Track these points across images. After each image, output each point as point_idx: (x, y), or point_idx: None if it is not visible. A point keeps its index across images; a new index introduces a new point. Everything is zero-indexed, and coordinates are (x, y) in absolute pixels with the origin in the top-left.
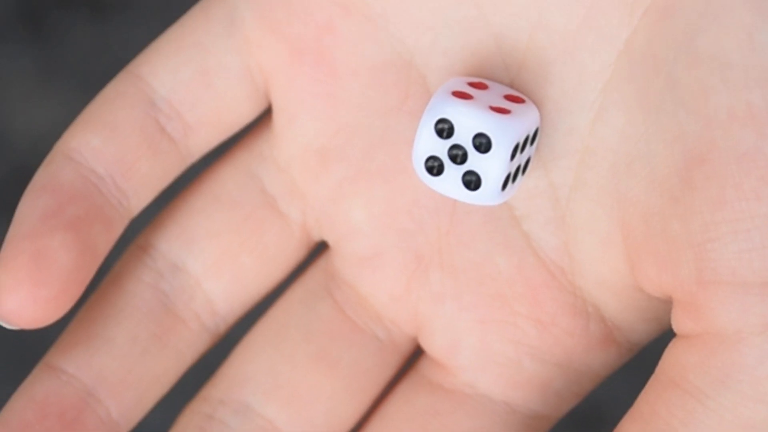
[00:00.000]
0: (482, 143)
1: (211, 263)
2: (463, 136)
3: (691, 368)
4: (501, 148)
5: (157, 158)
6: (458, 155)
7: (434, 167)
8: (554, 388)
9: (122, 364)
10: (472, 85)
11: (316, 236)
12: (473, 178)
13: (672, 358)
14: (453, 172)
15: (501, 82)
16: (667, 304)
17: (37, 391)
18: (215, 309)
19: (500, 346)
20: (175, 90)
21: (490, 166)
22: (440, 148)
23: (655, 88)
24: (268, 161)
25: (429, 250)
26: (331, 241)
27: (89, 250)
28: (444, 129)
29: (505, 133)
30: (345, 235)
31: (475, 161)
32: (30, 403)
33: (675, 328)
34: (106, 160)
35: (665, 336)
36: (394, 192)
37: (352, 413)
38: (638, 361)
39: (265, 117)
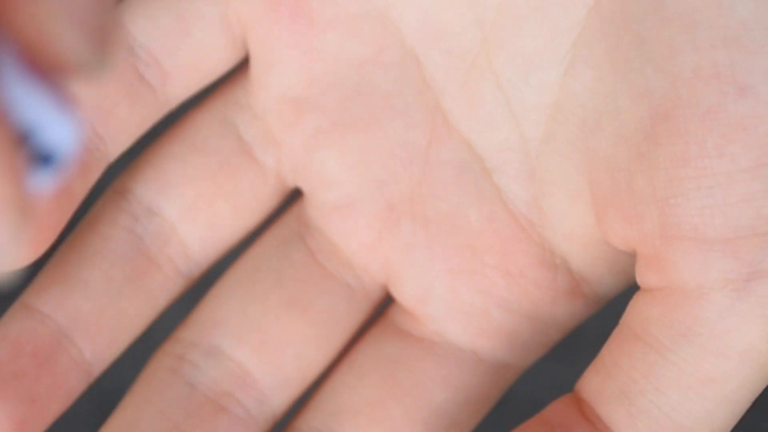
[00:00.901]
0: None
1: (187, 208)
2: None
3: (653, 321)
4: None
5: (136, 104)
6: None
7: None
8: (521, 338)
9: (96, 305)
10: None
11: (291, 184)
12: None
13: (635, 310)
14: None
15: (472, 37)
16: (633, 257)
17: (12, 329)
18: (189, 254)
19: (469, 296)
20: (153, 37)
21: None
22: None
23: (624, 45)
24: (244, 109)
25: (401, 200)
26: (305, 189)
27: (65, 193)
28: None
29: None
30: (319, 183)
31: None
32: (3, 342)
33: (639, 281)
34: (84, 106)
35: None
36: (368, 143)
37: (321, 359)
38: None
39: (241, 66)
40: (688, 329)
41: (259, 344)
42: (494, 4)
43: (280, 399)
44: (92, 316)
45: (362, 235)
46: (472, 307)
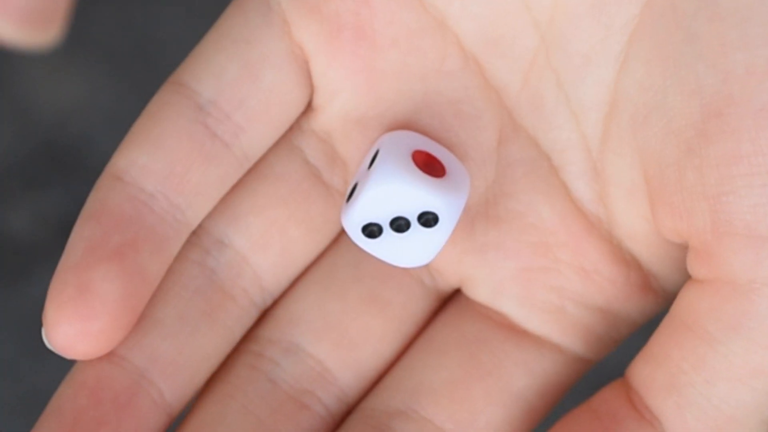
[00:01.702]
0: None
1: (257, 237)
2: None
3: (703, 313)
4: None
5: (210, 165)
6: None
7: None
8: (596, 333)
9: (173, 344)
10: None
11: None
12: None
13: (685, 301)
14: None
15: (531, 38)
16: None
17: (89, 375)
18: (263, 284)
19: (544, 293)
20: (221, 91)
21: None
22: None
23: (675, 41)
24: (308, 134)
25: (476, 201)
26: None
27: (137, 276)
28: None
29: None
30: None
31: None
32: (82, 389)
33: (690, 271)
34: (155, 175)
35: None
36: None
37: (397, 354)
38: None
39: None
40: (738, 323)
41: (337, 341)
42: (549, 3)
43: (357, 394)
44: (170, 356)
45: None
46: (547, 304)
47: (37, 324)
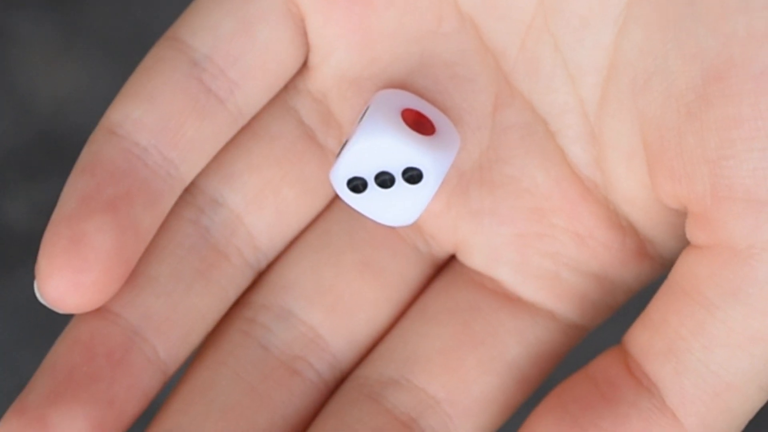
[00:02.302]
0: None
1: (252, 197)
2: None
3: (702, 279)
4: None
5: (205, 120)
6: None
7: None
8: (591, 300)
9: (167, 301)
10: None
11: None
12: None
13: (684, 267)
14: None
15: (528, 3)
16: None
17: (83, 331)
18: (257, 244)
19: (539, 259)
20: (216, 46)
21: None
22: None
23: (676, 4)
24: (303, 93)
25: (470, 167)
26: None
27: (131, 229)
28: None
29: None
30: None
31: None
32: (75, 345)
33: (689, 237)
34: (149, 129)
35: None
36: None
37: (391, 321)
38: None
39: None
40: (737, 288)
41: (330, 307)
42: None
43: (350, 362)
44: (164, 313)
45: (432, 203)
46: (542, 270)
47: (36, 315)
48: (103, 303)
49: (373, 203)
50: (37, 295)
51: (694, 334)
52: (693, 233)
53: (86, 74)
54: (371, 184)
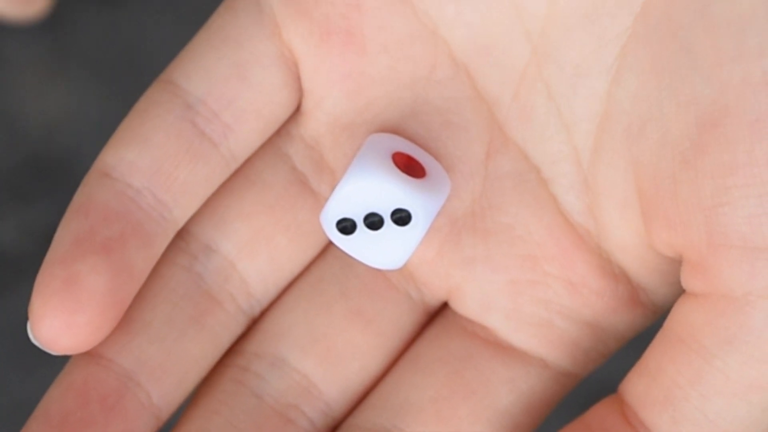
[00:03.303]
0: (402, 218)
1: (245, 244)
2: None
3: (698, 327)
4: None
5: (198, 163)
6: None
7: (347, 227)
8: (583, 348)
9: (160, 347)
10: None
11: None
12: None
13: (680, 315)
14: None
15: (522, 48)
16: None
17: (76, 378)
18: (250, 290)
19: (531, 307)
20: (210, 90)
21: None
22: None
23: (670, 52)
24: (296, 139)
25: (462, 214)
26: None
27: (124, 271)
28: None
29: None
30: None
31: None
32: (69, 391)
33: (684, 285)
34: (142, 172)
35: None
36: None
37: (383, 369)
38: (646, 344)
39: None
40: (734, 336)
41: (324, 355)
42: (542, 14)
43: (343, 410)
44: (157, 359)
45: (423, 250)
46: (534, 318)
47: (25, 336)
48: (96, 344)
49: (362, 245)
50: (30, 336)
51: (691, 383)
52: (688, 281)
53: (76, 97)
54: (360, 225)
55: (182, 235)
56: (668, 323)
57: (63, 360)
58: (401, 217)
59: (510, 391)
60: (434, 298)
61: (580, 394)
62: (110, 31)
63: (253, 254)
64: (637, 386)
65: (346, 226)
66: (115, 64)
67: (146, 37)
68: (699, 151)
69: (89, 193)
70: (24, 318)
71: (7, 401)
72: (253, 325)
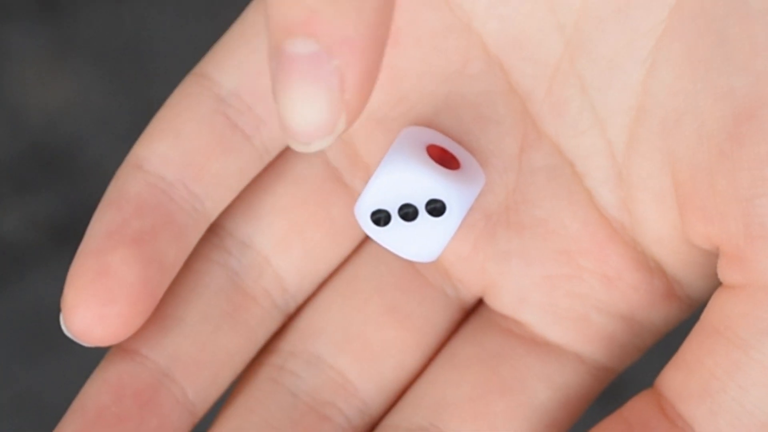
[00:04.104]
0: (436, 208)
1: (279, 239)
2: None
3: (736, 319)
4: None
5: (231, 156)
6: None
7: (381, 219)
8: (619, 342)
9: (195, 343)
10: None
11: None
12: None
13: (717, 307)
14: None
15: (555, 42)
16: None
17: (111, 374)
18: (285, 286)
19: (567, 301)
20: (243, 83)
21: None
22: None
23: (705, 44)
24: None
25: (497, 209)
26: None
27: (156, 263)
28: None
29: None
30: None
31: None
32: (104, 386)
33: (721, 277)
34: (175, 164)
35: (694, 322)
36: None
37: (419, 367)
38: (663, 340)
39: None
40: None
41: (360, 353)
42: (576, 7)
43: (379, 407)
44: (192, 355)
45: (458, 245)
46: (570, 312)
47: (30, 327)
48: (128, 336)
49: (396, 237)
50: (63, 327)
51: (729, 374)
52: (726, 273)
53: (79, 86)
54: (395, 217)
55: (216, 230)
56: (705, 315)
57: (67, 353)
58: (436, 208)
59: (546, 386)
60: (470, 294)
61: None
62: (113, 22)
63: (288, 250)
64: (675, 379)
65: (381, 218)
66: (117, 55)
67: (148, 28)
68: (735, 142)
69: (121, 186)
70: (29, 308)
71: (11, 393)
72: (288, 322)
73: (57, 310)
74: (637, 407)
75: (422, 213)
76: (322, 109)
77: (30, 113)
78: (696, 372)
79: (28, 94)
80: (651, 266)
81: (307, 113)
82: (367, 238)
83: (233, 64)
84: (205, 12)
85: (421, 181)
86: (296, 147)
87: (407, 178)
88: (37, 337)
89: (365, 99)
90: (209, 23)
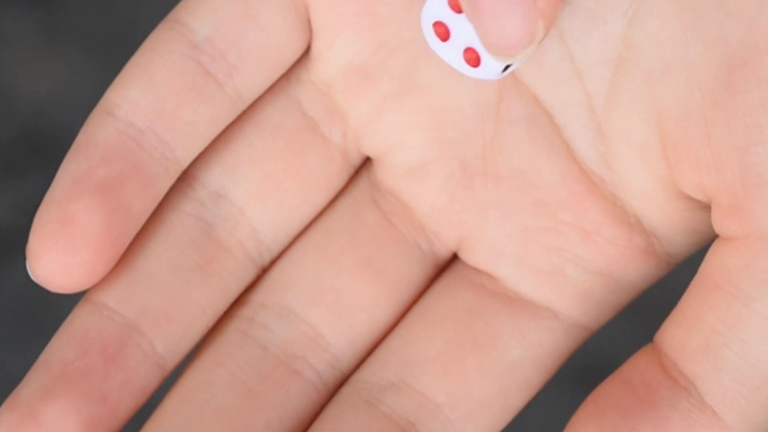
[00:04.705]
0: None
1: (254, 190)
2: None
3: (735, 271)
4: None
5: (202, 103)
6: None
7: (441, 32)
8: (595, 298)
9: (165, 296)
10: None
11: (356, 159)
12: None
13: (715, 260)
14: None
15: None
16: (706, 214)
17: (77, 327)
18: (259, 237)
19: (544, 254)
20: (217, 29)
21: None
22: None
23: None
24: (307, 84)
25: (474, 159)
26: (375, 155)
27: (121, 211)
28: None
29: None
30: (389, 148)
31: None
32: (70, 340)
33: (717, 229)
34: (145, 111)
35: (671, 298)
36: (439, 103)
37: (392, 321)
38: (641, 314)
39: None
40: None
41: (332, 306)
42: None
43: (350, 361)
44: (162, 308)
45: (435, 196)
46: (546, 265)
47: (18, 311)
48: (93, 284)
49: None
50: (30, 274)
51: (730, 329)
52: (722, 224)
53: (69, 72)
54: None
55: (189, 181)
56: (703, 269)
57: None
58: None
59: (519, 344)
60: (444, 248)
61: (573, 366)
62: (102, 7)
63: (263, 201)
64: (675, 336)
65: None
66: (107, 39)
67: (139, 13)
68: (729, 91)
69: (90, 132)
70: (18, 292)
71: (2, 375)
72: (262, 274)
73: (46, 295)
74: (637, 367)
75: None
76: (521, 19)
77: (20, 98)
78: (697, 328)
79: (19, 79)
80: (631, 221)
81: (509, 25)
82: (342, 191)
83: (207, 10)
84: None
85: None
86: (502, 62)
87: None
88: (26, 322)
89: (557, 3)
90: None
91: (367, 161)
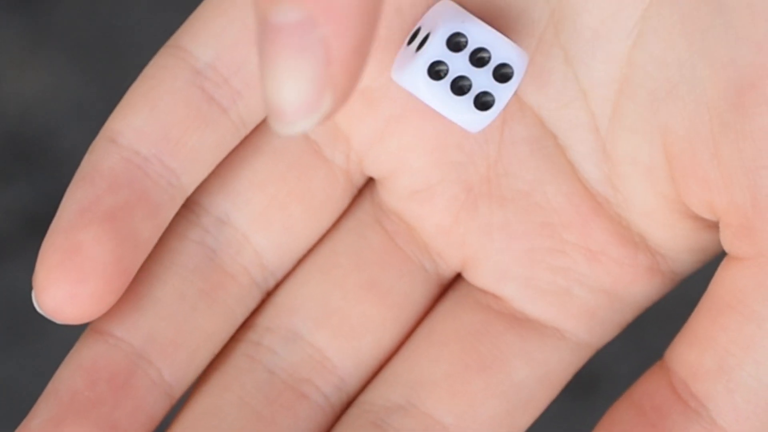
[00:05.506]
0: (505, 74)
1: (258, 215)
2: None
3: (747, 292)
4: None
5: (207, 129)
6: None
7: (441, 72)
8: (600, 317)
9: (171, 323)
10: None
11: (359, 180)
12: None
13: (725, 280)
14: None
15: (540, 11)
16: (714, 232)
17: (85, 357)
18: (264, 262)
19: (549, 275)
20: (219, 55)
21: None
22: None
23: (702, 12)
24: None
25: (478, 181)
26: (378, 177)
27: (129, 240)
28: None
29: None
30: (393, 170)
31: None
32: (78, 370)
33: (727, 249)
34: (150, 139)
35: (667, 315)
36: (443, 125)
37: (397, 342)
38: (635, 332)
39: None
40: None
41: (338, 328)
42: None
43: (356, 384)
44: (168, 336)
45: (440, 218)
46: (552, 286)
47: (5, 316)
48: (101, 314)
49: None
50: (35, 305)
51: (744, 350)
52: (732, 244)
53: (53, 77)
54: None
55: (192, 207)
56: (713, 289)
57: (42, 342)
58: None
59: (525, 363)
60: (449, 268)
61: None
62: (87, 12)
63: (266, 226)
64: (688, 357)
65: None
66: (92, 44)
67: (123, 16)
68: (739, 112)
69: (95, 161)
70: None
71: None
72: (266, 298)
73: (32, 299)
74: (647, 389)
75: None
76: (305, 83)
77: (5, 103)
78: (710, 349)
79: (3, 84)
80: (636, 241)
81: (290, 88)
82: (346, 213)
83: (209, 35)
84: (179, 2)
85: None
86: (279, 129)
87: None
88: (12, 327)
89: (354, 77)
90: (184, 14)
91: (370, 181)
